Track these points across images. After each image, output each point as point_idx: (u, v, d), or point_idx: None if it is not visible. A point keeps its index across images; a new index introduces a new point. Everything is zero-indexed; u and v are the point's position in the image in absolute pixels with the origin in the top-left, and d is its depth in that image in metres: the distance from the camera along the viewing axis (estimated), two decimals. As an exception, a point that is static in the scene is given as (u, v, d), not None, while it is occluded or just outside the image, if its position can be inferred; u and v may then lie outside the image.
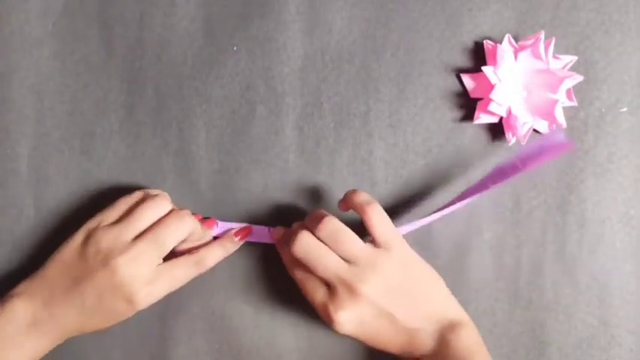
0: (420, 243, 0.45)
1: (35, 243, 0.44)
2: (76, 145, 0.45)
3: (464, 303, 0.44)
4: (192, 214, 0.41)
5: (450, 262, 0.45)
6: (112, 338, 0.44)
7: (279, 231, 0.43)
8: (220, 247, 0.42)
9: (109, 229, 0.39)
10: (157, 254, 0.39)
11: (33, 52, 0.45)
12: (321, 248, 0.38)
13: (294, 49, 0.45)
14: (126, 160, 0.45)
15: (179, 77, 0.45)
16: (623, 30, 0.45)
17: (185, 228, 0.40)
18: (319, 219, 0.39)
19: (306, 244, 0.38)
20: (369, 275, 0.38)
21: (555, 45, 0.45)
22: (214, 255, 0.42)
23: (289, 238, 0.40)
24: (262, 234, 0.44)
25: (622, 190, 0.45)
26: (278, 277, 0.44)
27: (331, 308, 0.38)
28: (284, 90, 0.45)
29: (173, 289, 0.40)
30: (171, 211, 0.41)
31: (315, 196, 0.45)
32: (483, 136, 0.45)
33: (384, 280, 0.38)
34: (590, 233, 0.45)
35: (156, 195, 0.41)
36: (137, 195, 0.41)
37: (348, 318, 0.38)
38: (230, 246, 0.43)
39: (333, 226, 0.39)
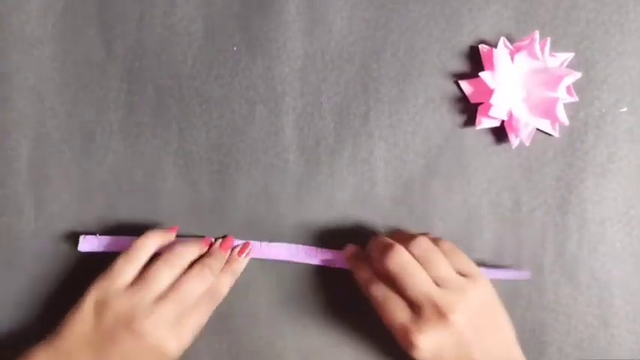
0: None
1: (35, 243, 0.44)
2: (76, 145, 0.45)
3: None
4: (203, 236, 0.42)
5: (450, 262, 0.45)
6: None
7: (352, 248, 0.43)
8: (229, 273, 0.43)
9: (125, 295, 0.38)
10: (180, 310, 0.39)
11: (33, 52, 0.45)
12: (416, 266, 0.38)
13: (294, 49, 0.45)
14: (126, 160, 0.45)
15: (179, 77, 0.45)
16: (623, 30, 0.45)
17: (206, 283, 0.40)
18: (412, 237, 0.39)
19: (401, 260, 0.38)
20: (459, 302, 0.37)
21: (555, 45, 0.45)
22: (226, 282, 0.42)
23: (371, 253, 0.40)
24: (279, 252, 0.44)
25: (622, 190, 0.45)
26: (279, 278, 0.44)
27: (414, 331, 0.37)
28: (284, 90, 0.45)
29: (200, 328, 0.40)
30: (192, 264, 0.40)
31: (316, 196, 0.45)
32: (484, 136, 0.45)
33: (470, 311, 0.37)
34: (590, 233, 0.45)
35: (171, 251, 0.40)
36: (144, 247, 0.40)
37: (430, 344, 0.37)
38: (237, 266, 0.43)
39: (427, 245, 0.38)
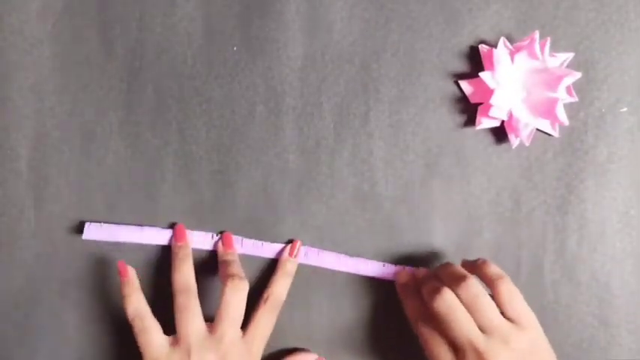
0: (421, 244, 0.45)
1: (35, 243, 0.44)
2: (76, 145, 0.45)
3: (464, 303, 0.45)
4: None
5: (450, 262, 0.45)
6: (113, 338, 0.44)
7: (405, 276, 0.43)
8: (284, 276, 0.43)
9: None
10: (236, 336, 0.40)
11: (33, 52, 0.45)
12: (463, 312, 0.38)
13: (294, 49, 0.45)
14: (126, 160, 0.45)
15: (179, 77, 0.45)
16: (623, 30, 0.45)
17: (244, 290, 0.40)
18: (461, 278, 0.39)
19: (449, 303, 0.38)
20: (502, 351, 0.37)
21: (556, 45, 0.45)
22: (283, 285, 0.43)
23: (421, 289, 0.40)
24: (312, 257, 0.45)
25: (622, 190, 0.45)
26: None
27: None
28: (284, 90, 0.45)
29: (267, 338, 0.42)
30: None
31: (316, 196, 0.45)
32: (484, 136, 0.45)
33: (514, 359, 0.37)
34: (590, 233, 0.45)
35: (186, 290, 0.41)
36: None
37: None
38: (290, 267, 0.44)
39: (476, 289, 0.38)
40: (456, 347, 0.38)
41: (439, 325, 0.39)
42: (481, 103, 0.44)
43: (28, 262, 0.44)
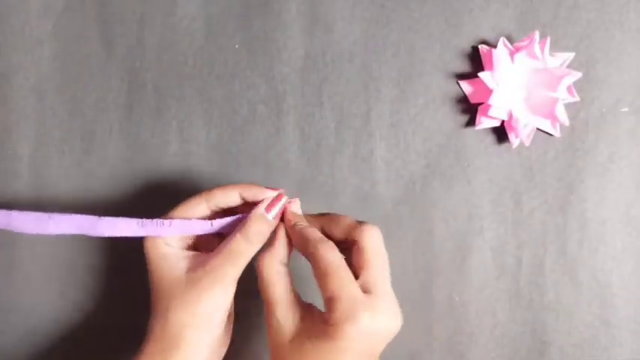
0: (421, 244, 0.45)
1: (35, 243, 0.44)
2: (76, 145, 0.44)
3: (465, 303, 0.45)
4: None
5: (451, 263, 0.45)
6: (114, 338, 0.44)
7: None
8: (242, 239, 0.38)
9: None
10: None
11: (33, 52, 0.44)
12: (385, 254, 0.36)
13: (294, 48, 0.45)
14: (126, 160, 0.45)
15: (179, 77, 0.45)
16: (624, 30, 0.45)
17: None
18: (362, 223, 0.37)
19: (379, 238, 0.36)
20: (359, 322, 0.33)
21: (556, 45, 0.45)
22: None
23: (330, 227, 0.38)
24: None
25: (623, 190, 0.45)
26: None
27: (365, 304, 0.34)
28: (285, 90, 0.45)
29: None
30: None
31: (316, 196, 0.45)
32: (485, 136, 0.45)
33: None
34: (591, 233, 0.45)
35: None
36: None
37: (369, 324, 0.33)
38: (256, 228, 0.38)
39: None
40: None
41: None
42: (481, 103, 0.44)
43: (28, 262, 0.44)
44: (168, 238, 0.38)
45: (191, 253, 0.39)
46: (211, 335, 0.37)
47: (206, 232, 0.38)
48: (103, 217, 0.38)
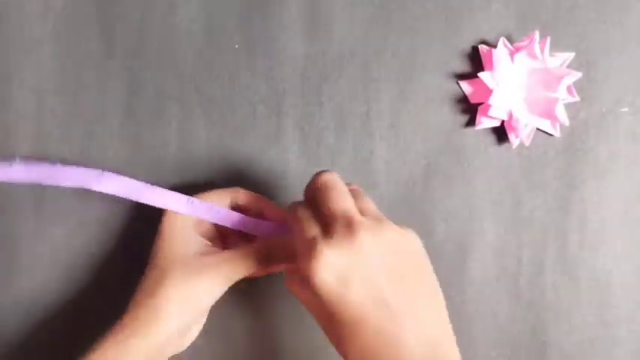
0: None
1: (35, 244, 0.44)
2: (76, 145, 0.44)
3: (465, 303, 0.45)
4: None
5: (451, 263, 0.45)
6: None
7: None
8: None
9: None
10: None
11: (33, 52, 0.44)
12: (343, 186, 0.35)
13: (294, 48, 0.45)
14: (126, 160, 0.45)
15: (179, 77, 0.45)
16: (624, 30, 0.45)
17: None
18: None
19: (331, 177, 0.35)
20: (375, 227, 0.32)
21: (556, 45, 0.45)
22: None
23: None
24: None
25: (622, 190, 0.45)
26: (279, 278, 0.44)
27: (321, 243, 0.31)
28: (284, 90, 0.45)
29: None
30: None
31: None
32: (485, 136, 0.45)
33: (385, 246, 0.32)
34: (590, 233, 0.45)
35: None
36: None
37: (333, 263, 0.31)
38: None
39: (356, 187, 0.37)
40: (325, 222, 0.33)
41: (311, 204, 0.35)
42: (481, 103, 0.44)
43: (28, 262, 0.44)
44: (188, 217, 0.39)
45: (204, 240, 0.40)
46: (190, 318, 0.38)
47: (232, 225, 0.40)
48: (154, 186, 0.40)
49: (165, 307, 0.37)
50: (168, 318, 0.37)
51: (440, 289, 0.34)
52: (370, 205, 0.36)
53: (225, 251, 0.39)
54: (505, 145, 0.45)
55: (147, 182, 0.42)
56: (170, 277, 0.37)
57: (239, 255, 0.38)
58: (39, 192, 0.44)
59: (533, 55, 0.43)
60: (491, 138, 0.45)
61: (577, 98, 0.44)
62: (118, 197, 0.44)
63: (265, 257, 0.39)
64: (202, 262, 0.38)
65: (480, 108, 0.44)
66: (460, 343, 0.45)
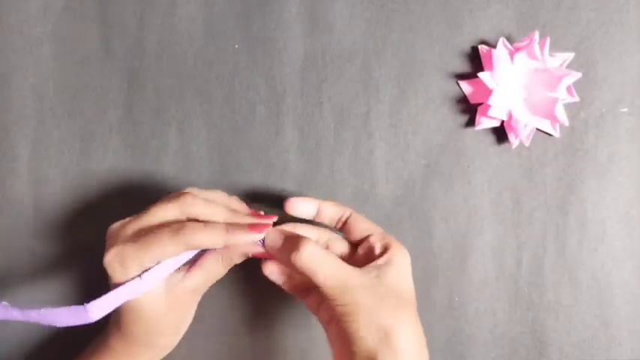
0: (421, 244, 0.45)
1: (35, 243, 0.44)
2: (76, 145, 0.44)
3: (465, 303, 0.45)
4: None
5: (450, 263, 0.45)
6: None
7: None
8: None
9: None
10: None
11: (33, 52, 0.45)
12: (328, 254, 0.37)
13: (294, 48, 0.45)
14: (126, 160, 0.45)
15: (179, 77, 0.45)
16: (623, 30, 0.45)
17: (175, 212, 0.37)
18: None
19: (311, 249, 0.37)
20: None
21: (556, 45, 0.45)
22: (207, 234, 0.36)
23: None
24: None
25: (622, 190, 0.45)
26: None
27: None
28: (284, 90, 0.45)
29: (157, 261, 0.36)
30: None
31: (316, 196, 0.45)
32: (484, 136, 0.45)
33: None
34: (590, 233, 0.45)
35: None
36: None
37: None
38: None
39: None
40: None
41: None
42: (481, 104, 0.44)
43: (28, 262, 0.44)
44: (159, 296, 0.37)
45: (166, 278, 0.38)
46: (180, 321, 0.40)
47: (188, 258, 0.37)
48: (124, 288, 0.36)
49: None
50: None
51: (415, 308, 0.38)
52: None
53: (187, 275, 0.39)
54: (505, 146, 0.45)
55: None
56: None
57: (201, 271, 0.39)
58: (39, 192, 0.44)
59: (532, 56, 0.43)
60: (491, 138, 0.45)
61: (577, 98, 0.44)
62: (116, 195, 0.45)
63: (227, 260, 0.39)
64: (170, 303, 0.38)
65: (479, 108, 0.44)
66: (460, 343, 0.45)
